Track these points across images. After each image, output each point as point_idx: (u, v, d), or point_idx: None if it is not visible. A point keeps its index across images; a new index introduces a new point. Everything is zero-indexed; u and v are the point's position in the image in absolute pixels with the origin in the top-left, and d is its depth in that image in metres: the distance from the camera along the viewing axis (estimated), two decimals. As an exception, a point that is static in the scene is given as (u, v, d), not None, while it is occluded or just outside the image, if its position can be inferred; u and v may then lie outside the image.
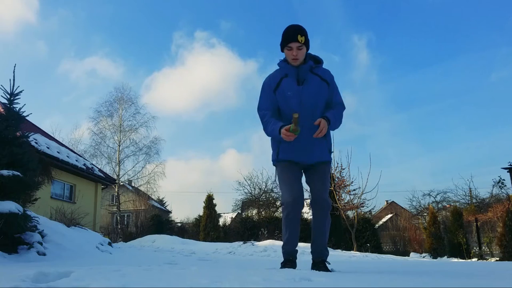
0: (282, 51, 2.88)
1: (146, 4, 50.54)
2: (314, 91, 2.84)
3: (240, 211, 26.03)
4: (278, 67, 2.95)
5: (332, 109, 2.90)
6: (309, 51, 2.91)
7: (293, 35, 2.77)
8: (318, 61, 2.94)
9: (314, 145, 2.86)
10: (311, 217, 2.97)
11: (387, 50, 50.65)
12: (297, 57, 2.79)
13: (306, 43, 2.81)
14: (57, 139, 18.25)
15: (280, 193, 3.02)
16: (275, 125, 2.77)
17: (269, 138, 3.03)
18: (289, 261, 2.87)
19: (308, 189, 3.00)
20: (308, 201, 3.01)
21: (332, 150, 3.02)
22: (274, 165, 3.03)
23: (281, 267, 2.84)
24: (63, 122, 52.95)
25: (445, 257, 15.50)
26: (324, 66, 2.97)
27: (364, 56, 49.31)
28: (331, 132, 3.01)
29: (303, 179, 3.02)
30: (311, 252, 2.93)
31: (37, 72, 49.78)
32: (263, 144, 49.02)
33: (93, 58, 48.23)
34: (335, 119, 2.85)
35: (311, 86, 2.84)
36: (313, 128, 2.77)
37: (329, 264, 2.88)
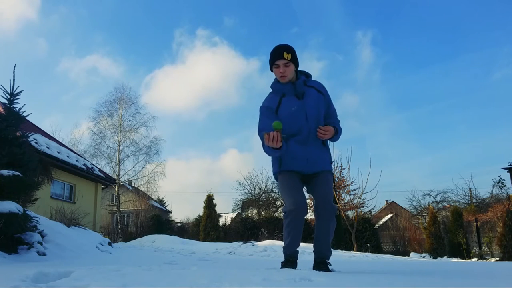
0: (272, 71, 2.95)
1: (147, 1, 50.48)
2: (314, 103, 2.91)
3: (240, 211, 26.04)
4: (271, 90, 3.00)
5: (331, 118, 3.02)
6: (301, 67, 2.98)
7: (279, 53, 2.85)
8: (307, 75, 3.02)
9: (318, 156, 2.92)
10: (314, 218, 2.96)
11: (389, 49, 50.52)
12: (284, 74, 2.85)
13: (294, 60, 2.88)
14: (57, 139, 18.27)
15: (283, 201, 2.98)
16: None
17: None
18: (290, 261, 2.88)
19: (311, 196, 3.01)
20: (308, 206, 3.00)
21: (332, 160, 3.07)
22: (276, 178, 3.04)
23: (281, 267, 2.85)
24: (63, 121, 52.90)
25: (445, 257, 15.50)
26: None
27: (366, 55, 49.21)
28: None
29: (305, 189, 3.04)
30: (314, 251, 2.93)
31: (37, 70, 49.79)
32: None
33: (93, 57, 48.19)
34: (340, 130, 3.01)
35: (310, 98, 2.91)
36: (319, 140, 2.91)
37: (330, 264, 2.88)
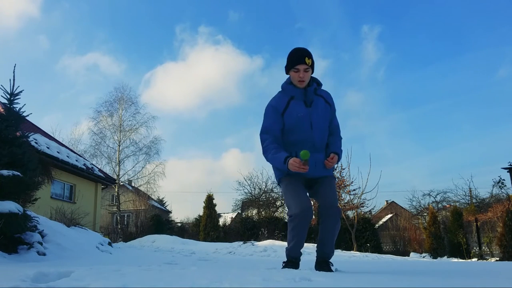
0: (287, 73, 2.89)
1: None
2: (321, 113, 2.89)
3: (240, 211, 26.03)
4: (281, 89, 2.95)
5: (333, 134, 3.00)
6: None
7: (301, 57, 2.80)
8: (318, 83, 2.99)
9: (320, 163, 2.88)
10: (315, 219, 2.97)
11: (395, 46, 50.26)
12: (303, 79, 2.82)
13: (312, 66, 2.86)
14: (57, 139, 18.26)
15: (287, 205, 2.93)
16: (277, 154, 2.75)
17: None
18: (292, 262, 2.87)
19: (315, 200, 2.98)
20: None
21: (335, 167, 3.07)
22: (279, 182, 2.99)
23: (282, 267, 2.84)
24: (63, 119, 52.59)
25: (445, 257, 15.50)
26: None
27: (372, 52, 49.01)
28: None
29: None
30: (316, 251, 2.91)
31: (38, 68, 49.63)
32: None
33: (94, 54, 47.90)
34: (341, 154, 2.98)
35: (318, 108, 2.88)
36: (322, 149, 2.89)
37: (333, 265, 2.87)
